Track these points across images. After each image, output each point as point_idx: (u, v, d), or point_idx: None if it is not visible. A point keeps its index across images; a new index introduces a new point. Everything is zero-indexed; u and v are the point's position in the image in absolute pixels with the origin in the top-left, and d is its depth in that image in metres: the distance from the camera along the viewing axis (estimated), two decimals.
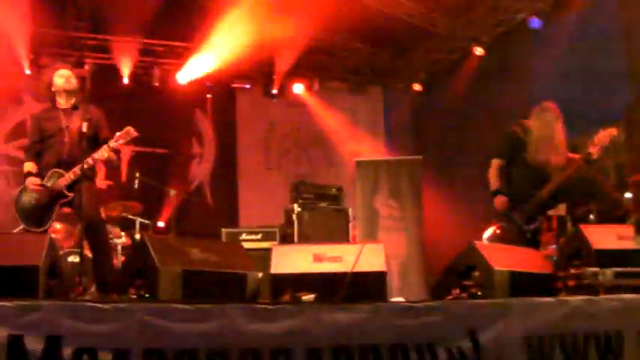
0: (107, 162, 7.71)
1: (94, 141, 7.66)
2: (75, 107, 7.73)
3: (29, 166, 7.75)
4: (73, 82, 7.81)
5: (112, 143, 7.50)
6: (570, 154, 8.24)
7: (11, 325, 4.36)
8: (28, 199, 7.63)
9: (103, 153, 7.47)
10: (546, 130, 8.19)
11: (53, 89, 7.83)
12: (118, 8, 13.09)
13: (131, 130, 7.57)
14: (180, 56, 14.13)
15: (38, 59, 13.33)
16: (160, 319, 4.67)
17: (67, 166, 7.49)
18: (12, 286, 5.19)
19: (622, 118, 9.88)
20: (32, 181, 7.57)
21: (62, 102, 7.79)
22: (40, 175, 7.64)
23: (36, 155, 7.77)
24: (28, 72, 13.36)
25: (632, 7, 10.44)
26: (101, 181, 8.60)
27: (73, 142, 7.52)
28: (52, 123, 7.70)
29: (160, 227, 12.31)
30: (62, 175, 7.50)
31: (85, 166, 7.41)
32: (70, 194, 7.49)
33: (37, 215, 7.58)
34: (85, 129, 7.45)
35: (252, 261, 6.35)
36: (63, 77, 7.79)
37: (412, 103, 15.13)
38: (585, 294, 6.19)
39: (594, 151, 7.93)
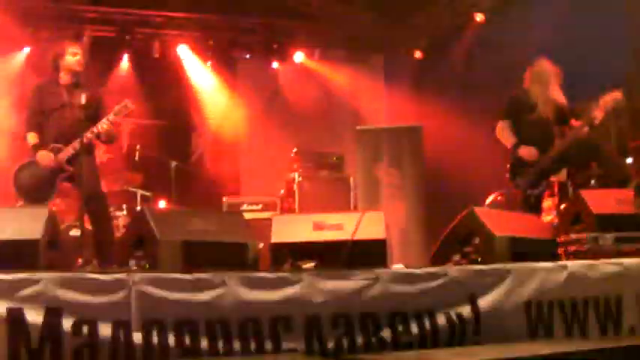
0: (106, 135, 7.72)
1: (94, 116, 7.67)
2: (76, 84, 7.74)
3: (33, 138, 7.77)
4: (82, 62, 7.84)
5: (111, 116, 7.53)
6: (573, 121, 8.27)
7: (11, 299, 4.39)
8: (28, 174, 7.64)
9: (102, 126, 7.49)
10: (544, 87, 8.25)
11: (61, 63, 7.82)
12: None
13: (128, 103, 7.59)
14: (181, 27, 14.08)
15: (37, 33, 13.28)
16: (159, 289, 4.70)
17: (67, 140, 7.52)
18: (12, 259, 5.20)
19: (623, 81, 9.84)
20: (45, 157, 7.58)
21: (65, 78, 7.80)
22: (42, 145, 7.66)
23: (37, 126, 7.78)
24: (26, 46, 13.35)
25: None
26: (102, 155, 8.60)
27: (73, 117, 7.53)
28: (54, 98, 7.74)
29: (160, 204, 12.30)
30: (61, 150, 7.52)
31: (85, 141, 7.43)
32: (69, 168, 7.51)
33: (38, 191, 7.60)
34: (84, 104, 7.46)
35: (253, 230, 6.36)
36: (75, 56, 7.80)
37: (413, 70, 15.07)
38: (585, 259, 6.21)
39: (598, 115, 7.96)
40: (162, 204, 11.98)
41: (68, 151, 7.51)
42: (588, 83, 8.87)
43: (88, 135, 7.46)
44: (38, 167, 7.57)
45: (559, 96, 8.34)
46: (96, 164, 7.94)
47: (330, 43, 15.32)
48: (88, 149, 7.63)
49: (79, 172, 7.47)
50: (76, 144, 7.46)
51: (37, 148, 7.69)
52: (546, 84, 8.33)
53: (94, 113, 7.68)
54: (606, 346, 5.23)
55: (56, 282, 4.52)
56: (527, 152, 8.24)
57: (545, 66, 8.40)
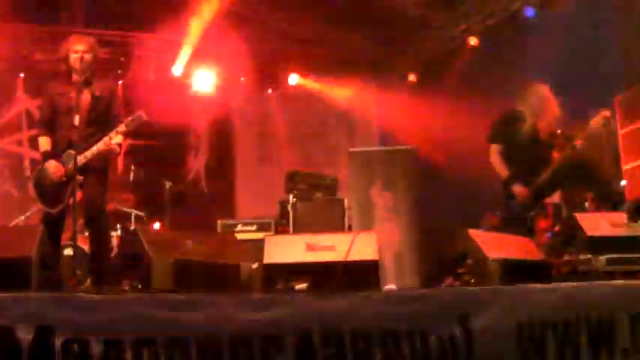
0: (112, 151, 7.52)
1: (105, 119, 7.58)
2: (87, 83, 7.47)
3: (45, 143, 7.56)
4: (88, 58, 7.48)
5: (122, 128, 7.32)
6: (555, 153, 8.25)
7: (2, 317, 4.36)
8: (45, 176, 7.47)
9: (109, 140, 7.30)
10: (539, 105, 8.24)
11: (69, 62, 7.51)
12: (112, 2, 13.11)
13: (142, 115, 7.35)
14: (176, 49, 14.12)
15: (32, 55, 13.33)
16: (151, 309, 4.68)
17: (78, 147, 7.16)
18: (4, 278, 5.19)
19: (616, 105, 9.91)
20: (54, 168, 7.36)
21: (76, 76, 7.46)
22: (54, 153, 7.50)
23: (50, 129, 7.61)
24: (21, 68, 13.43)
25: None
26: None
27: (82, 122, 7.22)
28: (63, 99, 7.48)
29: (155, 221, 12.29)
30: (71, 159, 7.29)
31: (96, 150, 7.28)
32: (80, 177, 7.28)
33: (52, 194, 7.44)
34: (92, 109, 7.37)
35: (245, 251, 6.37)
36: (78, 53, 7.45)
37: (406, 93, 15.12)
38: (579, 281, 6.21)
39: (579, 142, 7.97)
40: (156, 226, 11.98)
41: (80, 160, 7.24)
42: (580, 106, 8.88)
43: (101, 146, 7.30)
44: (59, 176, 7.40)
45: (555, 114, 8.33)
46: (105, 180, 7.65)
47: (325, 66, 15.38)
48: (99, 165, 7.44)
49: (85, 188, 7.33)
50: (88, 154, 7.26)
51: (46, 156, 7.49)
52: (540, 107, 8.32)
53: (104, 111, 7.54)
54: None
55: (48, 301, 4.50)
56: (519, 191, 8.20)
57: (539, 87, 8.40)
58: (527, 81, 8.63)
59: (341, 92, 15.47)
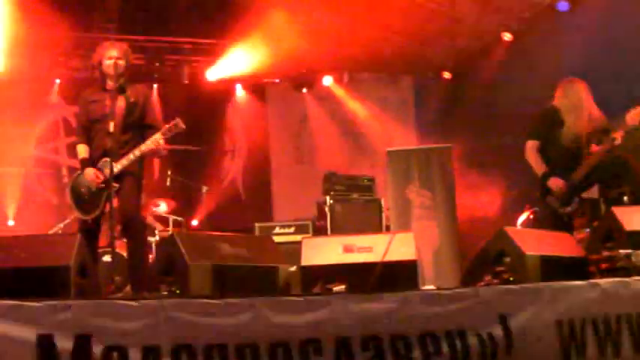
0: (152, 153, 7.57)
1: (140, 125, 7.62)
2: (121, 89, 7.50)
3: (83, 151, 7.63)
4: (122, 64, 7.56)
5: (158, 136, 7.34)
6: (593, 146, 8.18)
7: (41, 325, 4.38)
8: (82, 184, 7.51)
9: (150, 145, 7.34)
10: (576, 101, 8.18)
11: (102, 69, 7.60)
12: (145, 7, 13.17)
13: (179, 123, 7.37)
14: (209, 53, 14.17)
15: (68, 62, 13.42)
16: (188, 314, 4.68)
17: (113, 154, 7.24)
18: (44, 286, 5.23)
19: None
20: (93, 175, 7.43)
21: (110, 83, 7.57)
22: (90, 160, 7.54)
23: (87, 138, 7.63)
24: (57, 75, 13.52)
25: None
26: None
27: (117, 128, 7.31)
28: (98, 106, 7.54)
29: (193, 226, 12.35)
30: (106, 166, 7.29)
31: (132, 157, 7.31)
32: (116, 185, 7.32)
33: (88, 202, 7.48)
34: (127, 115, 7.40)
35: (283, 254, 6.35)
36: (112, 60, 7.54)
37: (442, 91, 15.08)
38: (618, 276, 6.14)
39: (618, 135, 7.89)
40: (194, 223, 12.04)
41: (116, 167, 7.29)
42: (616, 100, 8.80)
43: (136, 153, 7.33)
44: (97, 183, 7.43)
45: (593, 110, 8.27)
46: (140, 185, 7.69)
47: (359, 66, 15.36)
48: (134, 170, 7.48)
49: (119, 192, 7.36)
50: (124, 161, 7.28)
51: (84, 163, 7.55)
52: (577, 100, 8.27)
53: (139, 123, 7.62)
54: None
55: (87, 308, 4.52)
56: (555, 184, 8.15)
57: (576, 83, 8.35)
58: (564, 77, 8.55)
59: (376, 91, 15.48)
